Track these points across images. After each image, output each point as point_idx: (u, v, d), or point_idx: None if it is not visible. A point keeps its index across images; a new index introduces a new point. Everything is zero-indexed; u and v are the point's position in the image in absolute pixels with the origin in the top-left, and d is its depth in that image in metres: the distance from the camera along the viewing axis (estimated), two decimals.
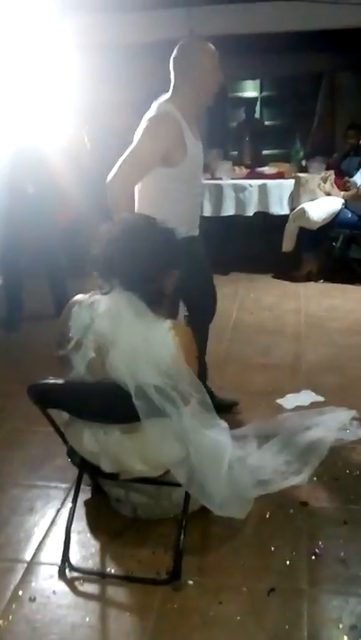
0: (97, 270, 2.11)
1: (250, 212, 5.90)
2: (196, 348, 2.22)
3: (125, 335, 2.05)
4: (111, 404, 2.02)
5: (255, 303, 4.71)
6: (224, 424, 2.41)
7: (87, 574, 2.20)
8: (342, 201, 5.64)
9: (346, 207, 5.61)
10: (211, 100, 2.84)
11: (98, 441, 2.14)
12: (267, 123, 9.67)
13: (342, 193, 5.71)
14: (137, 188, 2.78)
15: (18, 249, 4.69)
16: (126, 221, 2.15)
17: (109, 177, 2.65)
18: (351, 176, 5.87)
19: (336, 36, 7.88)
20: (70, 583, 2.16)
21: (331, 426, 3.01)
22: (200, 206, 3.22)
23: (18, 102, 4.80)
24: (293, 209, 5.71)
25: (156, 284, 2.11)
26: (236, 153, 7.83)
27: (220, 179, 6.09)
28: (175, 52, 2.79)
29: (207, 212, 5.94)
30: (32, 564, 2.25)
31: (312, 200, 5.66)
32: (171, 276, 2.17)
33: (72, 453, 2.26)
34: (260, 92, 10.46)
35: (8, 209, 4.53)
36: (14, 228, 4.58)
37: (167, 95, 2.80)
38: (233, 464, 2.45)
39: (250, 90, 10.84)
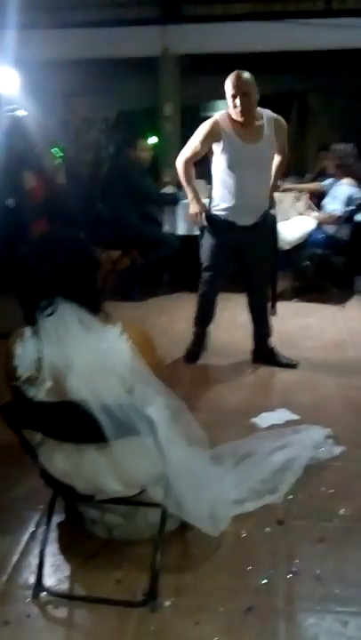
0: (35, 296, 2.06)
1: None
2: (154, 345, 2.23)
3: (80, 355, 2.02)
4: (84, 423, 2.00)
5: (230, 322, 4.73)
6: (201, 433, 2.39)
7: (62, 597, 2.17)
8: (315, 221, 5.71)
9: (318, 228, 5.69)
10: (238, 116, 3.66)
11: (71, 461, 2.12)
12: None
13: (314, 213, 5.79)
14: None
15: None
16: (43, 240, 2.14)
17: None
18: (322, 197, 5.95)
19: (307, 57, 8.04)
20: (44, 607, 2.13)
21: (306, 444, 3.02)
22: (253, 197, 3.84)
23: None
24: None
25: (95, 286, 2.14)
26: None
27: None
28: None
29: (181, 230, 5.99)
30: (5, 588, 2.21)
31: (286, 220, 5.72)
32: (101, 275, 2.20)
33: (46, 474, 2.23)
34: None
35: None
36: None
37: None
38: (210, 483, 2.45)
39: (222, 109, 10.96)
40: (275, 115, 3.81)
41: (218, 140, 3.75)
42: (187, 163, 3.89)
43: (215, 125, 3.74)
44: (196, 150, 3.82)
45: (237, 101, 3.62)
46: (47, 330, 2.04)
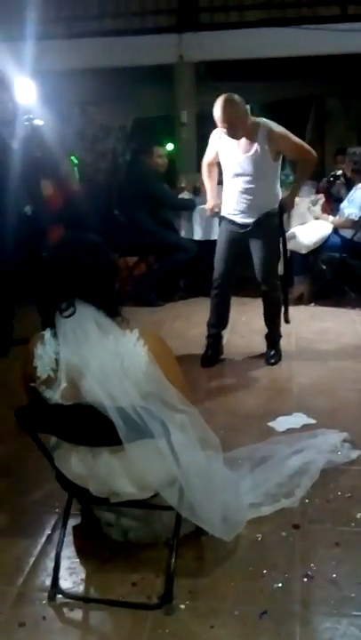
0: (55, 297, 2.10)
1: None
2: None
3: (96, 357, 2.05)
4: (98, 426, 2.01)
5: (246, 326, 4.74)
6: (215, 438, 2.39)
7: (77, 600, 2.18)
8: (332, 225, 5.69)
9: (335, 232, 5.66)
10: (227, 134, 3.89)
11: (86, 464, 2.13)
12: None
13: (330, 218, 5.77)
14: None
15: (9, 273, 4.67)
16: (65, 243, 2.22)
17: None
18: (340, 201, 5.94)
19: (324, 62, 8.05)
20: (60, 609, 2.14)
21: (322, 448, 3.01)
22: (248, 201, 4.06)
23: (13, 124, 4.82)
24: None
25: (113, 289, 2.17)
26: None
27: None
28: None
29: (198, 235, 6.00)
30: (22, 590, 2.23)
31: (302, 224, 5.70)
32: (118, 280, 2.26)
33: (61, 477, 2.24)
34: None
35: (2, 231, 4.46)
36: (7, 252, 4.53)
37: None
38: (225, 486, 2.44)
39: None
40: (269, 127, 3.92)
41: (217, 148, 4.12)
42: (205, 163, 4.31)
43: (215, 135, 4.12)
44: (207, 153, 4.27)
45: (224, 130, 3.89)
46: (65, 331, 2.08)
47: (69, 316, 2.07)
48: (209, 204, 4.34)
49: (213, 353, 4.37)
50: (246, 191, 4.01)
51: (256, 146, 3.88)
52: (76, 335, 2.06)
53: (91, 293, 2.09)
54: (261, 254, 4.11)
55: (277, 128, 3.96)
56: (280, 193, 4.16)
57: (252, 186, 3.99)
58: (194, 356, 4.36)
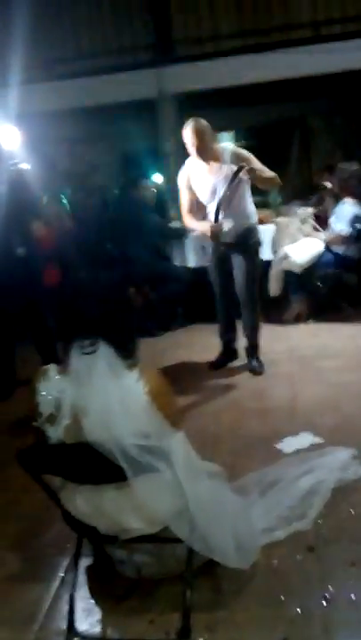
0: (78, 335, 2.11)
1: None
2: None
3: (98, 396, 2.05)
4: (101, 464, 2.00)
5: (241, 347, 4.74)
6: (217, 468, 2.37)
7: None
8: (323, 243, 5.72)
9: (327, 249, 5.69)
10: (196, 157, 4.20)
11: (92, 502, 2.11)
12: None
13: (321, 235, 5.80)
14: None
15: (7, 314, 4.69)
16: (92, 284, 2.27)
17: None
18: (327, 218, 5.99)
19: (303, 83, 8.15)
20: None
21: (332, 466, 2.98)
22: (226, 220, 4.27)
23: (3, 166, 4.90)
24: (276, 253, 5.78)
25: (131, 329, 2.19)
26: None
27: None
28: None
29: (192, 263, 6.03)
30: (38, 636, 2.19)
31: (294, 243, 5.74)
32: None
33: (69, 518, 2.22)
34: (236, 142, 10.73)
35: None
36: (4, 294, 4.56)
37: None
38: (236, 514, 2.42)
39: (226, 140, 11.11)
40: (232, 149, 4.29)
41: (189, 185, 4.35)
42: (187, 216, 4.45)
43: (184, 173, 4.37)
44: (186, 202, 4.42)
45: (192, 150, 4.17)
46: (78, 368, 2.08)
47: (90, 353, 2.07)
48: (205, 227, 4.29)
49: (222, 358, 4.73)
50: (223, 212, 4.21)
51: (225, 167, 4.14)
52: (90, 372, 2.07)
53: (113, 334, 2.11)
54: (241, 266, 4.36)
55: (242, 151, 4.28)
56: (255, 210, 4.46)
57: (227, 207, 4.20)
58: (196, 384, 4.35)
